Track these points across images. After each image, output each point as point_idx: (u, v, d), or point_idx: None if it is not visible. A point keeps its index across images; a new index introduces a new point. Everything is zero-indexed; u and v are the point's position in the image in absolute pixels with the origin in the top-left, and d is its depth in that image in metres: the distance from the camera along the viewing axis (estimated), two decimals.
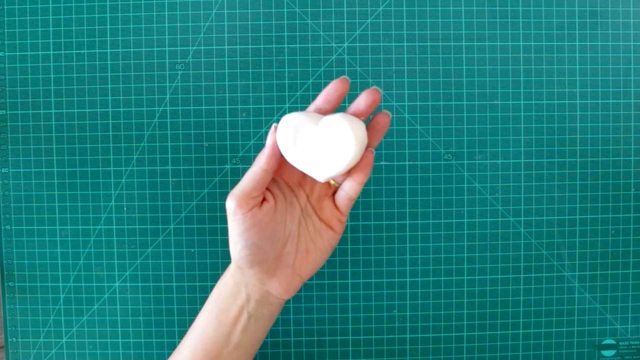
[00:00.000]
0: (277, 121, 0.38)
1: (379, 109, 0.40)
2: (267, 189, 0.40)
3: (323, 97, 0.38)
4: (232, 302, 0.41)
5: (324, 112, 0.38)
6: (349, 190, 0.39)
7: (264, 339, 0.43)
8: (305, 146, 0.37)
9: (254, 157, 0.49)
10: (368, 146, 0.38)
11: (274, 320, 0.43)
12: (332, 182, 0.40)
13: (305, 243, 0.41)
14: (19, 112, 0.49)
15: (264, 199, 0.39)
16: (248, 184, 0.38)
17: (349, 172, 0.39)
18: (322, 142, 0.37)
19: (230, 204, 0.37)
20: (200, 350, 0.41)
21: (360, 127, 0.37)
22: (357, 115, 0.38)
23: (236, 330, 0.41)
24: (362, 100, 0.37)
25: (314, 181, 0.41)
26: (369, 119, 0.39)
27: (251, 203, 0.38)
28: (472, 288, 0.50)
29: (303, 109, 0.49)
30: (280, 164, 0.39)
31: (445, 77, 0.49)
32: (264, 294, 0.40)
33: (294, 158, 0.37)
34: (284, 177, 0.41)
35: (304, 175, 0.41)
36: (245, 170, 0.49)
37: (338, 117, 0.37)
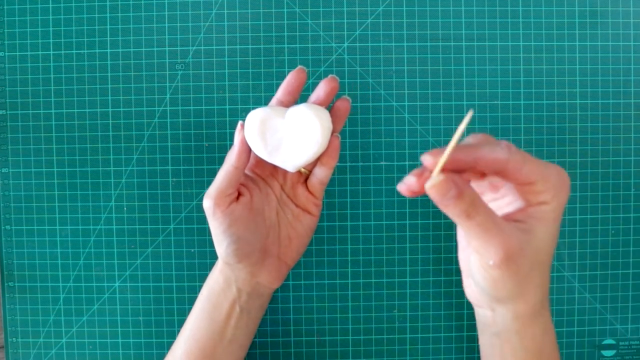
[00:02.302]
0: (243, 118, 0.39)
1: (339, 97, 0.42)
2: (242, 183, 0.41)
3: (283, 89, 0.40)
4: (224, 298, 0.41)
5: (286, 104, 0.40)
6: (320, 175, 0.41)
7: (256, 331, 0.44)
8: (274, 139, 0.38)
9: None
10: (333, 132, 0.39)
11: (264, 311, 0.44)
12: (302, 170, 0.42)
13: (286, 230, 0.42)
14: (19, 112, 0.49)
15: (239, 194, 0.40)
16: (222, 182, 0.39)
17: (318, 159, 0.40)
18: (289, 133, 0.38)
19: (208, 203, 0.38)
20: (195, 349, 0.41)
21: (325, 114, 0.38)
22: (319, 104, 0.39)
23: (229, 326, 0.41)
24: (322, 90, 0.39)
25: (285, 171, 0.42)
26: (330, 107, 0.41)
27: (227, 200, 0.39)
28: None
29: None
30: (251, 158, 0.41)
31: (445, 77, 0.49)
32: (254, 285, 0.41)
33: (263, 152, 0.39)
34: (256, 170, 0.42)
35: (275, 166, 0.42)
36: None
37: (303, 107, 0.38)
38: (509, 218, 0.34)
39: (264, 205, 0.41)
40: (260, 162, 0.41)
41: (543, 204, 0.34)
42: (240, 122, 0.39)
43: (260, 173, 0.42)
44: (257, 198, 0.41)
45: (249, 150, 0.39)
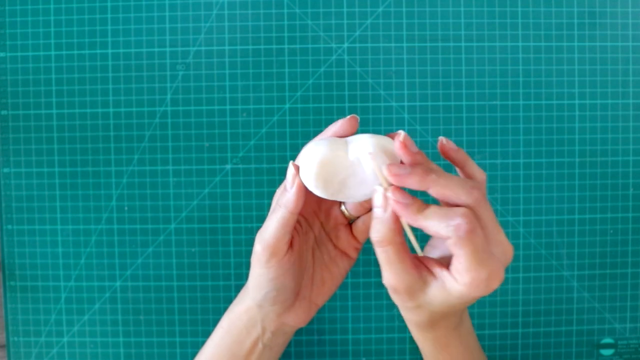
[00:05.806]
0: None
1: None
2: None
3: (331, 132, 0.36)
4: (246, 335, 0.40)
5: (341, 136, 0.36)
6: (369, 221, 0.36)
7: None
8: (337, 180, 0.34)
9: (254, 158, 0.49)
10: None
11: (287, 345, 0.42)
12: (346, 213, 0.38)
13: (320, 272, 0.39)
14: (21, 112, 0.49)
15: (291, 239, 0.37)
16: (279, 229, 0.35)
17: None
18: (353, 170, 0.34)
19: (263, 251, 0.35)
20: None
21: (390, 144, 0.34)
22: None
23: None
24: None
25: (328, 209, 0.39)
26: None
27: (284, 248, 0.35)
28: None
29: (303, 108, 0.49)
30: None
31: (445, 77, 0.49)
32: (280, 325, 0.39)
33: (325, 195, 0.34)
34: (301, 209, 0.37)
35: (319, 203, 0.39)
36: (245, 171, 0.49)
37: (366, 138, 0.34)
38: (425, 262, 0.34)
39: (303, 246, 0.38)
40: (306, 199, 0.36)
41: (455, 282, 0.32)
42: (292, 164, 0.35)
43: (303, 211, 0.37)
44: (301, 240, 0.38)
45: (306, 193, 0.34)
